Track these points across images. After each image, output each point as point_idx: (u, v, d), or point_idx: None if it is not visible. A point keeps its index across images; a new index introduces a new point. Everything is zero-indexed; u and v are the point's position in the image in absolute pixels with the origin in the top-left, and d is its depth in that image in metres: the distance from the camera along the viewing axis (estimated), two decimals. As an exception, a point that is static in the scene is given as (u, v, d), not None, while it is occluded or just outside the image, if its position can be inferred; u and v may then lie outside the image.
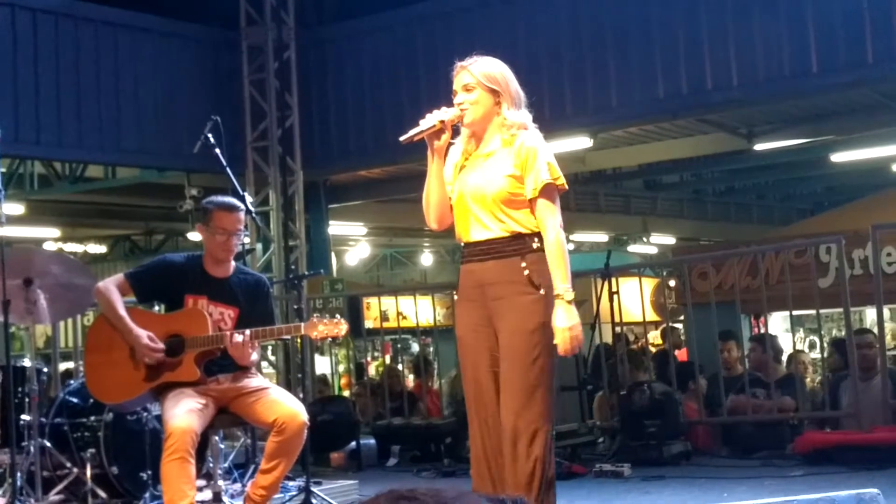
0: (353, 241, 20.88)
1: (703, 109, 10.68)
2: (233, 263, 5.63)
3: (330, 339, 5.41)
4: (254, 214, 6.63)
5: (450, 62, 9.94)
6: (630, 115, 10.65)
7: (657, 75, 9.73)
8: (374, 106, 11.47)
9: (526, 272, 4.29)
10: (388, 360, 14.35)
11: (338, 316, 5.34)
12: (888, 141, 13.61)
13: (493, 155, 4.39)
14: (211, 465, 5.77)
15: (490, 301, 4.34)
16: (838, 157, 14.76)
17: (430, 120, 4.37)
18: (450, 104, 4.37)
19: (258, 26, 11.79)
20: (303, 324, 5.32)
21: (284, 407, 5.28)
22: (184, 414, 5.08)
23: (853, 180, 18.20)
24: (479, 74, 4.39)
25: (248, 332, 5.29)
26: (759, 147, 13.42)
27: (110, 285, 5.50)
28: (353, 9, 11.89)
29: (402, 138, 4.39)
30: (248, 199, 6.50)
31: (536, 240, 4.33)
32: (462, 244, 4.51)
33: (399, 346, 14.49)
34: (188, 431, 5.01)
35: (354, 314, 12.85)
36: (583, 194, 18.03)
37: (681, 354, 12.35)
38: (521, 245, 4.32)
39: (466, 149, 4.48)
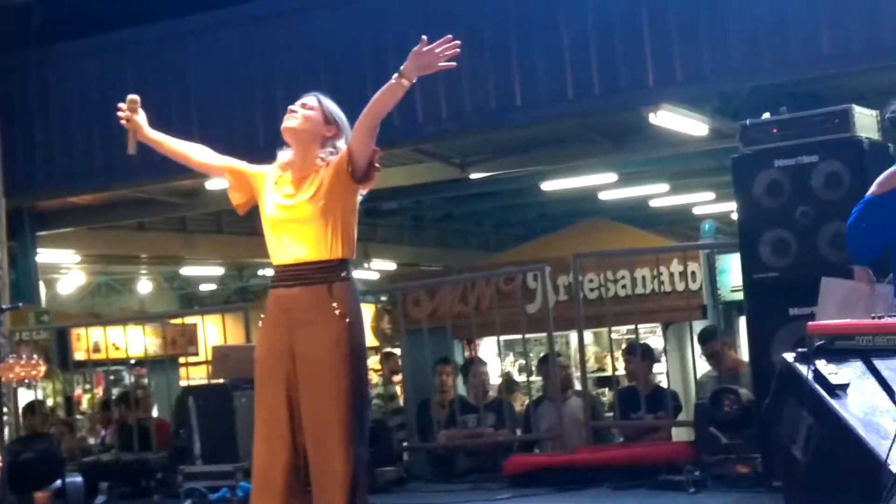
0: (66, 269, 20.21)
1: (416, 140, 10.92)
2: None
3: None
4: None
5: (161, 89, 9.86)
6: (345, 145, 10.76)
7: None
8: (83, 131, 11.15)
9: (333, 301, 4.38)
10: (101, 392, 14.00)
11: (35, 356, 5.23)
12: (593, 170, 14.27)
13: (305, 179, 4.49)
14: None
15: (295, 327, 4.41)
16: (548, 186, 15.34)
17: (123, 114, 4.70)
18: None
19: (-42, 49, 11.32)
20: None
21: (-28, 450, 5.14)
22: None
23: (564, 208, 18.89)
24: (325, 102, 4.61)
25: None
26: (473, 176, 13.80)
27: None
28: (61, 32, 11.53)
29: (130, 152, 4.66)
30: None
31: (343, 269, 4.45)
32: (273, 268, 4.58)
33: (112, 377, 14.14)
34: None
35: (62, 346, 12.49)
36: (304, 221, 18.01)
37: (397, 379, 12.57)
38: (329, 273, 4.42)
39: (283, 175, 4.57)
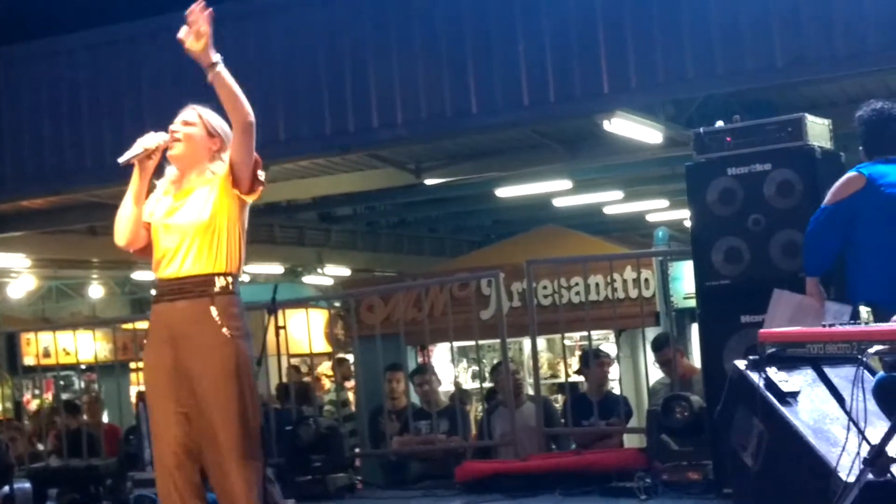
0: (16, 272, 20.00)
1: (371, 145, 10.89)
2: None
3: None
4: None
5: (113, 91, 9.76)
6: (299, 150, 10.73)
7: (324, 112, 9.87)
8: (34, 134, 11.04)
9: (215, 314, 4.32)
10: (50, 397, 13.85)
11: None
12: (548, 177, 14.28)
13: (192, 192, 4.44)
14: None
15: (179, 342, 4.34)
16: (503, 192, 15.34)
17: (138, 146, 4.44)
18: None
19: None
20: None
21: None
22: None
23: (518, 214, 18.92)
24: (205, 116, 4.51)
25: None
26: (428, 182, 13.78)
27: None
28: (11, 35, 11.36)
29: (120, 160, 4.46)
30: None
31: (226, 281, 4.38)
32: (155, 281, 4.51)
33: (62, 383, 14.03)
34: None
35: (12, 351, 12.37)
36: (257, 226, 17.88)
37: (349, 385, 12.54)
38: (210, 285, 4.35)
39: (169, 187, 4.52)
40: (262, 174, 4.44)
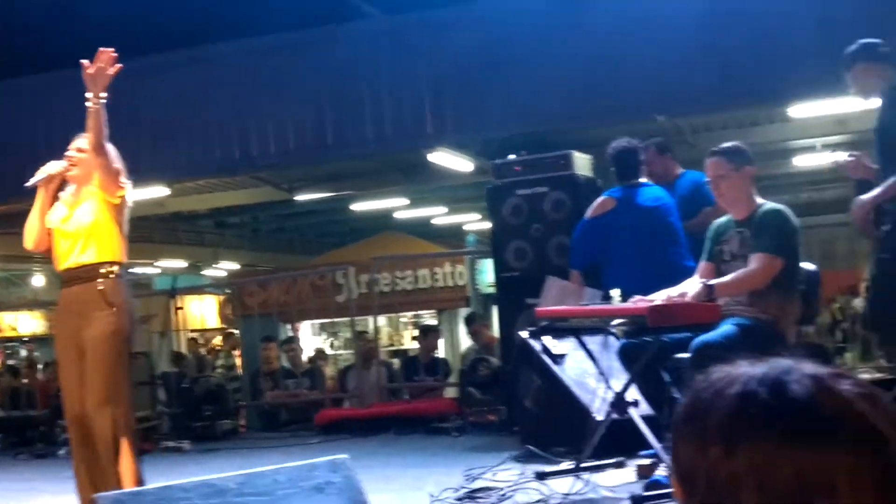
0: (-29, 266, 19.01)
1: (251, 169, 10.70)
2: None
3: None
4: None
5: (46, 128, 9.23)
6: (197, 172, 10.46)
7: (216, 144, 9.66)
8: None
9: (103, 293, 4.17)
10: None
11: None
12: (390, 196, 14.26)
13: (81, 203, 4.27)
14: None
15: (74, 316, 4.21)
16: (356, 207, 15.27)
17: (42, 172, 4.29)
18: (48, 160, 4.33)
19: None
20: None
21: None
22: None
23: (368, 223, 18.78)
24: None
25: None
26: (298, 198, 13.62)
27: None
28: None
29: (27, 184, 4.30)
30: None
31: (111, 268, 4.22)
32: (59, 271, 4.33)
33: (9, 352, 13.41)
34: None
35: (-35, 328, 11.83)
36: (164, 230, 17.40)
37: (236, 353, 12.30)
38: (98, 272, 4.20)
39: (68, 198, 4.33)
40: (124, 181, 4.27)
